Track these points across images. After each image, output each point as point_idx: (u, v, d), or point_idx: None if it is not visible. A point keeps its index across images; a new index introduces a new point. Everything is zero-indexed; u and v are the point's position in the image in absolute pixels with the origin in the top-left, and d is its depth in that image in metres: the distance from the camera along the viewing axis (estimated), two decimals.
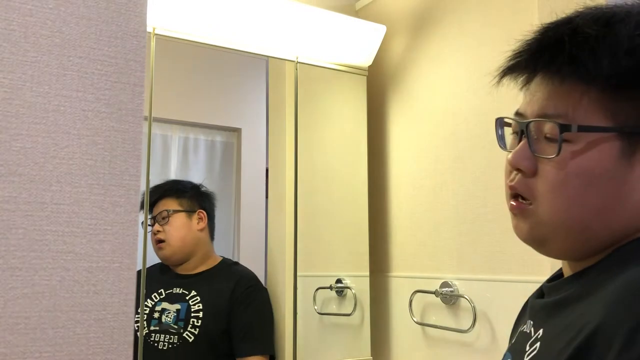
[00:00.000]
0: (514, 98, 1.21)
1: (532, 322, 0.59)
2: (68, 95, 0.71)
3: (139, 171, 0.74)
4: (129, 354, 0.70)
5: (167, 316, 1.31)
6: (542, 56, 0.54)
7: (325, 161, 1.53)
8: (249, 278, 1.42)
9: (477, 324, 1.21)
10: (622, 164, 0.51)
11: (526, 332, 0.59)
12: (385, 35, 1.50)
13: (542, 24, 0.57)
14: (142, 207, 1.24)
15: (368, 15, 1.62)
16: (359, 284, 1.50)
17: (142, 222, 1.28)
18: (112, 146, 0.73)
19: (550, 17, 1.08)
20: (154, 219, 1.40)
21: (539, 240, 0.57)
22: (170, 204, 1.42)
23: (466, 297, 1.24)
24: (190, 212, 1.43)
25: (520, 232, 0.58)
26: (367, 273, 1.51)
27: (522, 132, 0.58)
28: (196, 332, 1.31)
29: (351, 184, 1.53)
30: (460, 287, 1.27)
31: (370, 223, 1.52)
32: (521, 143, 0.57)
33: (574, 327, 0.48)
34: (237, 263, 1.47)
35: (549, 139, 0.54)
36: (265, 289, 1.44)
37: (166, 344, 1.28)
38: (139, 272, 1.19)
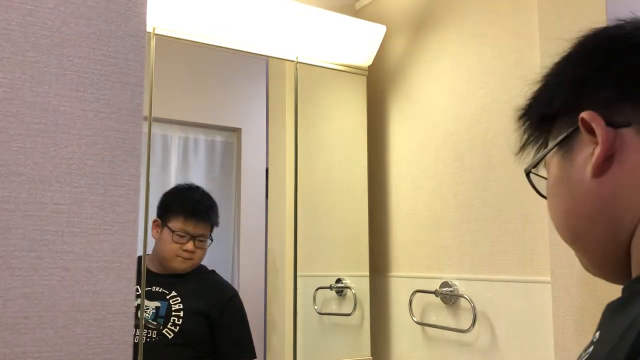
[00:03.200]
0: (513, 99, 1.22)
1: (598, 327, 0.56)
2: (68, 95, 0.71)
3: (139, 171, 0.74)
4: (129, 354, 0.70)
5: (145, 312, 1.32)
6: None
7: (325, 161, 1.53)
8: (229, 286, 1.48)
9: (477, 323, 1.21)
10: None
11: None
12: (385, 35, 1.50)
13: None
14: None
15: (368, 15, 1.62)
16: (359, 284, 1.50)
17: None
18: (112, 146, 0.73)
19: (550, 16, 1.08)
20: (191, 235, 1.42)
21: (570, 244, 0.60)
22: (208, 230, 1.46)
23: (466, 297, 1.24)
24: (211, 239, 1.48)
25: None
26: (367, 273, 1.51)
27: None
28: (176, 330, 1.35)
29: (351, 184, 1.53)
30: (460, 287, 1.27)
31: (370, 223, 1.52)
32: None
33: (625, 324, 0.45)
34: (214, 271, 1.49)
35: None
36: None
37: (144, 338, 1.30)
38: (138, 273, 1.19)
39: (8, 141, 0.67)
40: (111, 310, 0.70)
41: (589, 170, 0.53)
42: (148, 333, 1.32)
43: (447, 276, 1.31)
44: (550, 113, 0.58)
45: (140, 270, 1.23)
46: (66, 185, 0.69)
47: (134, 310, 0.72)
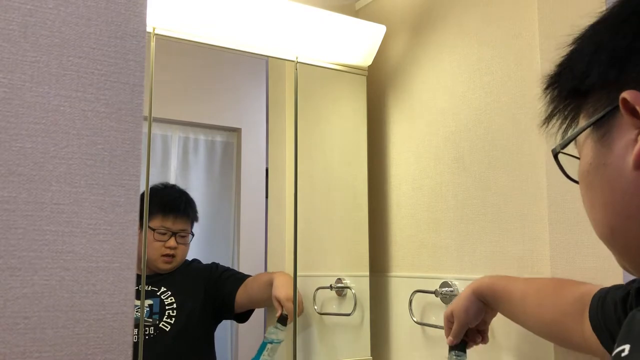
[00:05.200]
0: (513, 99, 1.22)
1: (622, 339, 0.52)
2: (68, 95, 0.71)
3: (139, 171, 0.74)
4: (129, 353, 0.70)
5: (138, 312, 1.34)
6: None
7: (325, 161, 1.53)
8: (214, 267, 1.52)
9: None
10: None
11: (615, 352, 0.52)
12: (385, 35, 1.50)
13: None
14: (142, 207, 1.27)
15: (368, 15, 1.62)
16: (359, 284, 1.50)
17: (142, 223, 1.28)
18: (112, 146, 0.73)
19: (550, 17, 1.08)
20: (171, 231, 1.43)
21: (605, 241, 0.53)
22: (188, 225, 1.48)
23: None
24: (192, 234, 1.50)
25: None
26: (367, 273, 1.51)
27: None
28: (172, 322, 1.37)
29: (351, 183, 1.53)
30: (460, 287, 1.27)
31: (370, 223, 1.52)
32: None
33: None
34: (195, 259, 1.52)
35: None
36: None
37: (143, 336, 1.31)
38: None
39: (8, 141, 0.67)
40: (111, 310, 0.70)
41: (630, 160, 0.46)
42: (146, 331, 1.34)
43: (447, 276, 1.31)
44: (583, 87, 0.50)
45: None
46: (66, 185, 0.69)
47: (133, 310, 0.72)
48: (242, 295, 1.45)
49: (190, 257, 1.48)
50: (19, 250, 0.66)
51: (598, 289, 0.83)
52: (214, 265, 1.51)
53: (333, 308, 1.51)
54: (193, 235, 1.48)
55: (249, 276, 1.48)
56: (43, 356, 0.66)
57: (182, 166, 1.56)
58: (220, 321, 1.49)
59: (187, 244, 1.47)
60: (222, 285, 1.47)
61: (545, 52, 1.08)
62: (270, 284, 1.42)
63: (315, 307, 1.48)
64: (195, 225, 1.50)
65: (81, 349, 0.68)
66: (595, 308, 0.79)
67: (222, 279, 1.49)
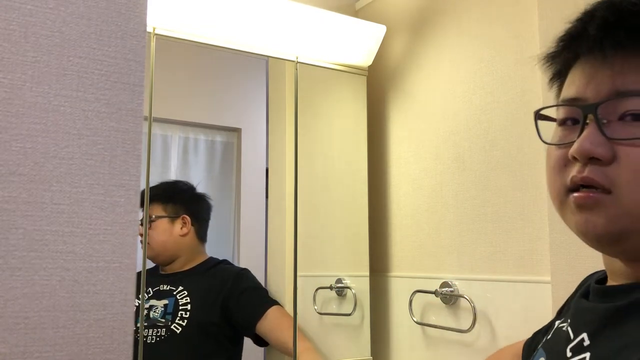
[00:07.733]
0: (513, 99, 1.22)
1: (569, 322, 0.55)
2: (68, 95, 0.71)
3: (139, 171, 0.74)
4: (129, 353, 0.70)
5: (154, 312, 1.34)
6: (611, 30, 0.50)
7: (325, 161, 1.53)
8: (235, 270, 1.49)
9: (477, 324, 1.21)
10: None
11: (563, 330, 0.55)
12: (385, 35, 1.50)
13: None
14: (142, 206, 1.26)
15: (368, 15, 1.62)
16: (359, 284, 1.50)
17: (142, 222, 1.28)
18: (112, 146, 0.73)
19: (550, 17, 1.08)
20: (140, 221, 1.42)
21: (618, 235, 0.50)
22: (155, 210, 1.45)
23: (466, 297, 1.24)
24: (173, 217, 1.46)
25: (593, 227, 0.50)
26: (367, 273, 1.51)
27: (585, 118, 0.51)
28: (184, 324, 1.36)
29: (351, 183, 1.53)
30: (460, 287, 1.27)
31: (370, 223, 1.52)
32: (589, 130, 0.50)
33: None
34: (224, 261, 1.48)
35: (634, 117, 0.49)
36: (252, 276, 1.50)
37: (154, 337, 1.32)
38: (138, 273, 1.19)
39: (8, 141, 0.67)
40: (111, 310, 0.70)
41: None
42: (157, 332, 1.34)
43: (447, 276, 1.31)
44: None
45: (151, 271, 1.22)
46: (66, 185, 0.69)
47: (134, 310, 0.72)
48: (262, 331, 1.39)
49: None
50: (19, 250, 0.66)
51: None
52: (237, 279, 1.45)
53: (333, 308, 1.51)
54: (171, 217, 1.44)
55: (267, 302, 1.42)
56: (43, 356, 0.66)
57: (182, 166, 1.56)
58: (236, 339, 1.46)
59: (154, 229, 1.43)
60: (240, 312, 1.41)
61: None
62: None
63: (315, 307, 1.48)
64: None
65: (81, 349, 0.68)
66: (526, 352, 0.81)
67: (241, 304, 1.42)
